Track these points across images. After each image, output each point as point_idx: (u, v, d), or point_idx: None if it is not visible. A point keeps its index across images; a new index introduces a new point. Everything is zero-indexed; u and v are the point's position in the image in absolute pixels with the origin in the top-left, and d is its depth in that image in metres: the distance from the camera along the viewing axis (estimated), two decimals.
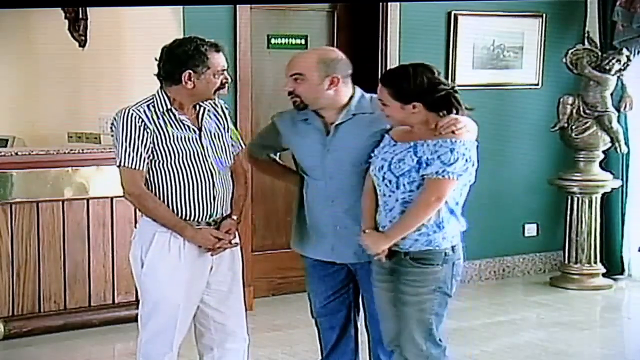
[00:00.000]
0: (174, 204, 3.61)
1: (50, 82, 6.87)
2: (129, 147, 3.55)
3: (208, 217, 3.66)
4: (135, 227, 3.77)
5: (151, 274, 3.63)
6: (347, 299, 3.95)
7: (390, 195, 3.53)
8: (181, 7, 5.67)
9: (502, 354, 5.33)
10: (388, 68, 6.27)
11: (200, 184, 3.63)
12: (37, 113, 7.03)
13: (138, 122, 3.55)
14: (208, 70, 3.58)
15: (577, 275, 6.89)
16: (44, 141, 6.64)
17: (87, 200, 5.59)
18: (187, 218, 3.63)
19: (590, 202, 6.86)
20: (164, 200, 3.61)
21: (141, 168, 3.57)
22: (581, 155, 6.87)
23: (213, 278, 3.72)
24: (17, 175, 5.43)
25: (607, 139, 6.82)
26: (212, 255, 3.68)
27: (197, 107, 3.68)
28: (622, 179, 6.98)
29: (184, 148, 3.60)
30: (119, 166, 3.59)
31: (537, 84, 7.09)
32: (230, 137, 3.79)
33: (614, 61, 6.73)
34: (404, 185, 3.49)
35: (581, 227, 6.86)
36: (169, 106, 3.62)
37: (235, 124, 3.99)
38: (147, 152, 3.56)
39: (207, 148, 3.66)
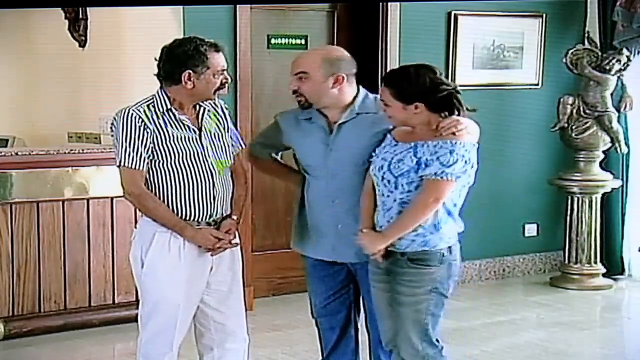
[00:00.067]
0: (174, 204, 3.61)
1: (50, 82, 6.87)
2: (129, 147, 3.55)
3: (208, 217, 3.66)
4: (135, 227, 3.76)
5: (151, 274, 3.63)
6: (348, 299, 3.95)
7: (388, 196, 3.54)
8: (181, 7, 5.67)
9: (502, 354, 5.33)
10: (388, 68, 6.29)
11: (200, 184, 3.63)
12: (37, 113, 7.03)
13: (138, 122, 3.55)
14: (208, 70, 3.58)
15: (577, 275, 6.89)
16: (44, 141, 6.64)
17: (87, 200, 5.59)
18: (187, 218, 3.63)
19: (591, 202, 6.86)
20: (164, 200, 3.61)
21: (141, 168, 3.57)
22: (581, 155, 6.87)
23: (213, 278, 3.72)
24: (17, 175, 5.43)
25: (607, 139, 6.82)
26: (212, 255, 3.68)
27: (197, 107, 3.68)
28: (622, 179, 6.98)
29: (184, 148, 3.61)
30: (119, 166, 3.59)
31: (537, 84, 7.09)
32: (231, 136, 3.79)
33: (614, 61, 6.73)
34: (402, 185, 3.50)
35: (581, 227, 6.86)
36: (169, 106, 3.62)
37: (235, 124, 3.99)
38: (147, 152, 3.56)
39: (207, 148, 3.66)
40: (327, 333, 3.99)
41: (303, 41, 6.40)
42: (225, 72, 3.65)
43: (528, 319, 6.21)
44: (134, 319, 3.80)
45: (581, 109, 6.81)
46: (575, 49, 6.81)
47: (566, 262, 6.96)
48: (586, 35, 6.92)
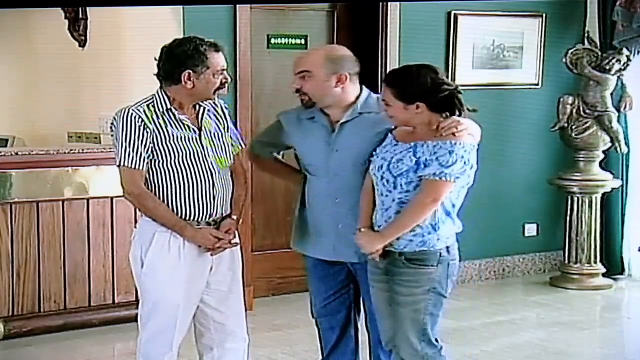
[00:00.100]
0: (174, 204, 3.61)
1: (50, 82, 6.87)
2: (129, 147, 3.55)
3: (208, 217, 3.66)
4: (135, 227, 3.77)
5: (151, 274, 3.63)
6: (348, 299, 3.95)
7: (387, 195, 3.54)
8: (181, 7, 5.66)
9: (502, 354, 5.33)
10: (388, 68, 6.29)
11: (200, 184, 3.63)
12: (37, 113, 7.03)
13: (138, 122, 3.55)
14: (208, 70, 3.58)
15: (577, 275, 6.89)
16: (44, 141, 6.64)
17: (87, 200, 5.59)
18: (187, 218, 3.62)
19: (591, 202, 6.86)
20: (164, 200, 3.61)
21: (141, 168, 3.57)
22: (581, 155, 6.87)
23: (213, 278, 3.72)
24: (17, 175, 5.43)
25: (607, 139, 6.82)
26: (212, 255, 3.68)
27: (197, 107, 3.68)
28: (622, 179, 6.98)
29: (184, 148, 3.60)
30: (119, 166, 3.59)
31: (537, 84, 7.09)
32: (231, 136, 3.79)
33: (614, 61, 6.73)
34: (401, 185, 3.49)
35: (581, 227, 6.86)
36: (169, 106, 3.62)
37: (235, 124, 3.99)
38: (147, 152, 3.56)
39: (207, 148, 3.66)
40: (327, 333, 3.99)
41: (303, 41, 6.39)
42: (225, 72, 3.65)
43: (528, 319, 6.20)
44: (134, 319, 3.80)
45: (581, 109, 6.81)
46: (575, 49, 6.81)
47: (566, 262, 6.96)
48: (586, 35, 6.92)
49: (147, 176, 3.60)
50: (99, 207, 5.60)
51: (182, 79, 3.57)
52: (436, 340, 3.61)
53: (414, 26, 6.51)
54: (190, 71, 3.57)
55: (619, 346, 5.82)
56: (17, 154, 5.72)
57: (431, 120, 3.52)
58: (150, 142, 3.57)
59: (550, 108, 6.91)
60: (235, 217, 3.75)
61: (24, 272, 5.45)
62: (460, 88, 3.60)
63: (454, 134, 3.46)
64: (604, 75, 6.75)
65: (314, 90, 3.71)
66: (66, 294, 5.57)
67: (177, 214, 3.61)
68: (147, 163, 3.58)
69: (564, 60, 6.77)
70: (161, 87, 3.65)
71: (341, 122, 3.74)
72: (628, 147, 6.89)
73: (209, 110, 3.72)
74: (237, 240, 3.76)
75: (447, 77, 3.62)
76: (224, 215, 3.72)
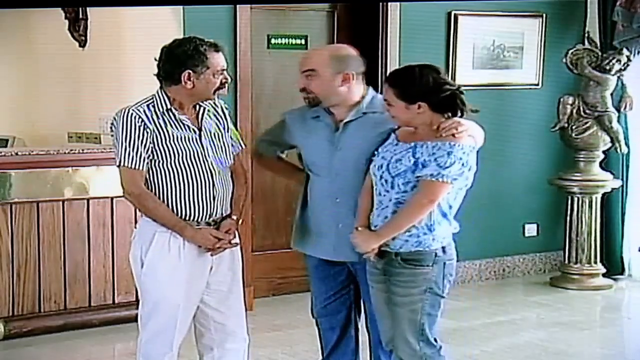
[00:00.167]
0: (174, 204, 3.61)
1: (50, 82, 6.87)
2: (129, 147, 3.55)
3: (208, 217, 3.66)
4: (135, 227, 3.76)
5: (151, 274, 3.63)
6: (348, 299, 3.95)
7: (384, 195, 3.54)
8: (181, 7, 5.67)
9: (502, 354, 5.33)
10: (388, 68, 6.30)
11: (200, 184, 3.63)
12: (37, 113, 7.03)
13: (138, 122, 3.55)
14: (207, 70, 3.58)
15: (577, 275, 6.89)
16: (44, 141, 6.64)
17: (87, 200, 5.59)
18: (187, 218, 3.62)
19: (591, 202, 6.86)
20: (164, 200, 3.61)
21: (141, 168, 3.57)
22: (581, 155, 6.87)
23: (213, 278, 3.72)
24: (17, 175, 5.43)
25: (607, 139, 6.82)
26: (212, 255, 3.68)
27: (197, 107, 3.68)
28: (622, 179, 6.98)
29: (184, 148, 3.60)
30: (118, 166, 3.59)
31: (537, 84, 7.09)
32: (231, 137, 3.79)
33: (614, 61, 6.73)
34: (398, 185, 3.49)
35: (581, 227, 6.86)
36: (168, 106, 3.62)
37: (235, 124, 3.99)
38: (147, 152, 3.56)
39: (207, 148, 3.66)
40: (328, 333, 3.99)
41: (303, 41, 6.39)
42: (225, 72, 3.65)
43: (528, 319, 6.20)
44: (134, 319, 3.79)
45: (581, 109, 6.81)
46: (575, 49, 6.81)
47: (566, 262, 6.96)
48: (586, 35, 6.92)
49: (147, 176, 3.60)
50: (99, 207, 5.61)
51: (182, 79, 3.57)
52: (435, 340, 3.61)
53: (414, 26, 6.51)
54: (190, 71, 3.57)
55: (619, 346, 5.82)
56: (17, 154, 5.72)
57: (432, 121, 3.52)
58: (150, 142, 3.56)
59: (550, 108, 6.91)
60: (235, 217, 3.75)
61: (24, 272, 5.45)
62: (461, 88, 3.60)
63: (453, 135, 3.46)
64: (604, 75, 6.75)
65: (319, 89, 3.71)
66: (66, 294, 5.57)
67: (177, 214, 3.61)
68: (147, 163, 3.58)
69: (564, 60, 6.77)
70: (161, 87, 3.65)
71: (345, 121, 3.74)
72: (628, 147, 6.89)
73: (208, 111, 3.72)
74: (237, 240, 3.76)
75: (448, 77, 3.62)
76: (224, 215, 3.72)
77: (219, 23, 5.81)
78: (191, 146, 3.62)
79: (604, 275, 6.94)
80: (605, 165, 6.94)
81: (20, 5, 5.89)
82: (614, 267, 7.07)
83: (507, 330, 5.82)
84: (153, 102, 3.62)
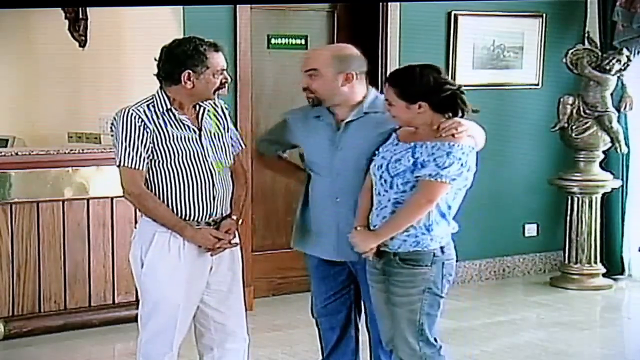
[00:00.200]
0: (174, 204, 3.61)
1: (50, 82, 6.87)
2: (129, 147, 3.55)
3: (208, 217, 3.66)
4: (135, 227, 3.76)
5: (151, 274, 3.63)
6: (348, 299, 3.95)
7: (383, 195, 3.54)
8: (181, 7, 5.67)
9: (502, 354, 5.33)
10: (388, 68, 6.29)
11: (200, 184, 3.63)
12: (37, 113, 7.03)
13: (138, 122, 3.55)
14: (207, 70, 3.58)
15: (577, 275, 6.89)
16: (44, 141, 6.64)
17: (87, 200, 5.59)
18: (187, 218, 3.62)
19: (591, 202, 6.86)
20: (163, 200, 3.61)
21: (141, 168, 3.57)
22: (581, 155, 6.87)
23: (213, 278, 3.72)
24: (17, 175, 5.43)
25: (607, 139, 6.82)
26: (211, 255, 3.68)
27: (197, 107, 3.68)
28: (622, 179, 6.98)
29: (184, 148, 3.60)
30: (118, 166, 3.59)
31: (537, 84, 7.09)
32: (231, 137, 3.79)
33: (614, 61, 6.73)
34: (397, 185, 3.50)
35: (581, 227, 6.86)
36: (168, 106, 3.62)
37: (235, 124, 3.99)
38: (147, 152, 3.56)
39: (207, 148, 3.66)
40: (328, 333, 3.99)
41: (303, 41, 6.39)
42: (225, 72, 3.65)
43: (528, 319, 6.20)
44: (134, 319, 3.80)
45: (581, 109, 6.81)
46: (575, 49, 6.81)
47: (566, 262, 6.96)
48: (586, 35, 6.92)
49: (147, 176, 3.60)
50: (99, 207, 5.61)
51: (182, 79, 3.57)
52: (435, 340, 3.61)
53: (414, 26, 6.51)
54: (190, 71, 3.57)
55: (619, 346, 5.82)
56: (17, 154, 5.72)
57: (433, 121, 3.52)
58: (150, 142, 3.56)
59: (550, 108, 6.91)
60: (235, 217, 3.75)
61: (24, 272, 5.45)
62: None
63: (453, 135, 3.46)
64: (604, 75, 6.75)
65: (321, 89, 3.71)
66: (66, 294, 5.57)
67: (177, 214, 3.61)
68: (147, 163, 3.58)
69: (564, 60, 6.77)
70: (161, 87, 3.65)
71: (346, 120, 3.74)
72: (628, 147, 6.89)
73: (208, 111, 3.72)
74: (236, 240, 3.76)
75: (448, 77, 3.62)
76: (224, 215, 3.72)
77: (219, 23, 5.81)
78: (191, 146, 3.62)
79: (604, 275, 6.94)
80: (605, 165, 6.94)
81: (20, 5, 5.89)
82: (614, 267, 7.07)
83: (507, 330, 5.82)
84: (153, 102, 3.62)
